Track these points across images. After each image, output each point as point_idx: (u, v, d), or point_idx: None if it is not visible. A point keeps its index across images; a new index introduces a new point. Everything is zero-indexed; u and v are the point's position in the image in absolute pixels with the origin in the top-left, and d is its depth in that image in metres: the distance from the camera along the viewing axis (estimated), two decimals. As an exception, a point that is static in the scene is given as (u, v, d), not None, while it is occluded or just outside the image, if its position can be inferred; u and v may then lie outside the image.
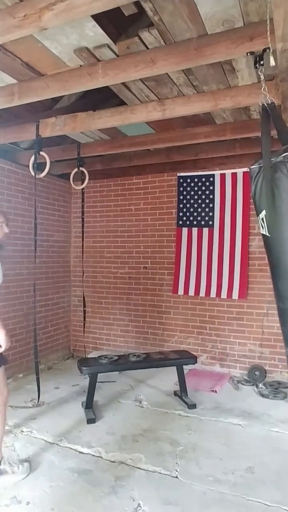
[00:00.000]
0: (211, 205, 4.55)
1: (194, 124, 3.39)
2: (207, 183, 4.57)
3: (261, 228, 1.66)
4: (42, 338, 4.74)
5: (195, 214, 4.63)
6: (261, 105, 1.62)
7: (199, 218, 4.61)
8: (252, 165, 1.68)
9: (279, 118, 1.64)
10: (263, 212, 1.59)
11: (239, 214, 4.39)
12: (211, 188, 4.55)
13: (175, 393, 3.79)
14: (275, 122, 1.62)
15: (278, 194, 1.50)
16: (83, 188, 3.92)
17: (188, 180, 4.67)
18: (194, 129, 3.42)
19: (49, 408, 3.50)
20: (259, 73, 1.74)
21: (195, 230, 4.63)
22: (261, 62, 1.74)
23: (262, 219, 1.61)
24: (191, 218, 4.65)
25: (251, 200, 4.33)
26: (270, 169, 1.52)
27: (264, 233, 1.63)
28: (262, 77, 1.70)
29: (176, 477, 2.44)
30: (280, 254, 1.56)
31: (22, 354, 4.36)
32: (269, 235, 1.59)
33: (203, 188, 4.59)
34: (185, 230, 4.68)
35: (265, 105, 1.60)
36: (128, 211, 5.08)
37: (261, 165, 1.59)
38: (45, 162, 3.29)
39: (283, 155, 1.48)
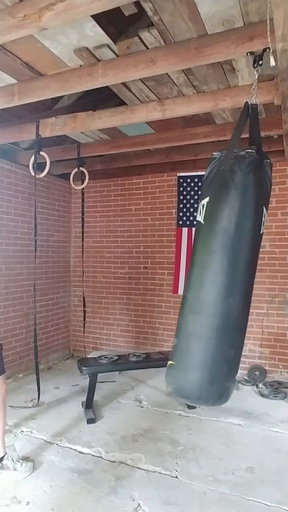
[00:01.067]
0: (211, 205, 4.54)
1: (194, 124, 3.39)
2: (207, 183, 4.57)
3: (198, 214, 1.68)
4: (42, 338, 4.74)
5: (195, 214, 4.63)
6: (244, 102, 1.65)
7: (199, 218, 4.61)
8: (215, 152, 1.70)
9: (256, 120, 1.68)
10: (206, 199, 1.62)
11: (239, 214, 4.39)
12: (211, 188, 4.54)
13: (175, 393, 3.78)
14: (252, 123, 1.67)
15: (226, 185, 1.54)
16: (83, 188, 3.92)
17: (188, 180, 4.67)
18: (194, 129, 3.42)
19: (49, 408, 3.50)
20: (255, 72, 1.75)
21: (195, 230, 4.63)
22: (260, 63, 1.76)
23: (203, 205, 1.63)
24: (191, 218, 4.65)
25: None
26: (230, 160, 1.56)
27: (200, 219, 1.65)
28: (256, 76, 1.72)
29: (176, 477, 2.44)
30: (207, 243, 1.58)
31: (22, 354, 4.36)
32: (203, 223, 1.62)
33: (203, 188, 4.59)
34: (185, 230, 4.68)
35: (249, 104, 1.63)
36: (128, 211, 5.08)
37: (223, 154, 1.62)
38: (45, 162, 3.29)
39: (246, 150, 1.55)
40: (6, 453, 2.44)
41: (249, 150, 1.57)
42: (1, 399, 2.41)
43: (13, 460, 2.43)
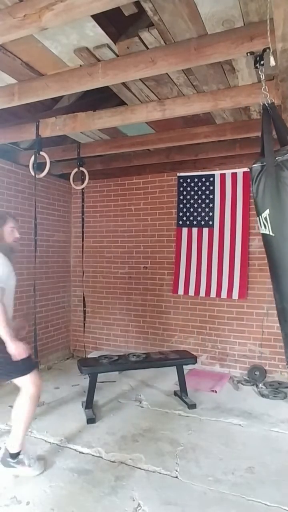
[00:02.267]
0: (211, 205, 4.55)
1: (194, 124, 3.39)
2: (207, 183, 4.57)
3: (262, 227, 1.63)
4: (42, 338, 4.74)
5: (195, 214, 4.63)
6: (261, 105, 1.63)
7: (199, 218, 4.61)
8: (253, 164, 1.67)
9: (279, 119, 1.64)
10: (267, 211, 1.57)
11: (239, 214, 4.39)
12: (211, 188, 4.55)
13: (175, 393, 3.78)
14: (276, 123, 1.62)
15: (284, 192, 1.49)
16: (83, 188, 3.92)
17: (188, 180, 4.67)
18: (194, 129, 3.42)
19: (49, 408, 3.50)
20: (259, 72, 1.74)
21: (195, 230, 4.63)
22: (261, 62, 1.74)
23: (265, 218, 1.59)
24: (191, 218, 4.65)
25: (251, 200, 4.34)
26: (274, 167, 1.51)
27: (267, 232, 1.60)
28: (262, 77, 1.70)
29: (176, 477, 2.44)
30: (284, 254, 1.54)
31: (22, 354, 4.36)
32: (273, 234, 1.57)
33: (203, 188, 4.59)
34: (185, 230, 4.68)
35: (266, 105, 1.61)
36: (128, 211, 5.08)
37: (264, 163, 1.58)
38: (45, 162, 3.29)
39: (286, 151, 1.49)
40: (22, 450, 2.46)
41: None
42: (28, 397, 2.42)
43: (28, 457, 2.45)
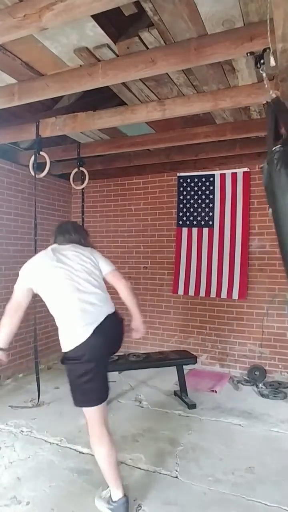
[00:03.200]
0: (211, 205, 4.55)
1: (194, 124, 3.39)
2: (207, 183, 4.57)
3: None
4: (42, 338, 4.73)
5: (195, 214, 4.63)
6: (265, 102, 1.61)
7: (199, 218, 4.61)
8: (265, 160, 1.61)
9: (286, 111, 1.61)
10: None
11: (239, 214, 4.39)
12: (211, 188, 4.55)
13: (175, 393, 3.78)
14: (283, 115, 1.58)
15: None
16: (83, 188, 3.92)
17: (188, 180, 4.67)
18: (194, 129, 3.42)
19: (49, 408, 3.50)
20: (261, 71, 1.74)
21: (195, 230, 4.63)
22: (262, 61, 1.74)
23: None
24: (191, 218, 4.65)
25: (251, 200, 4.35)
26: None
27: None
28: (264, 75, 1.70)
29: (176, 477, 2.44)
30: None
31: (22, 354, 4.36)
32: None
33: (203, 188, 4.59)
34: (185, 230, 4.68)
35: (271, 102, 1.59)
36: (128, 211, 5.08)
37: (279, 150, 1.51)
38: (45, 162, 3.29)
39: None
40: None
41: None
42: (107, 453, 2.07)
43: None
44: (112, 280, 2.29)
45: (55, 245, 2.24)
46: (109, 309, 2.10)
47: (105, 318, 2.03)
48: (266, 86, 1.61)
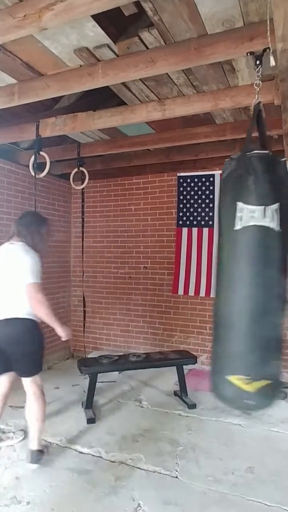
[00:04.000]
0: (211, 205, 4.55)
1: (194, 124, 3.39)
2: (207, 183, 4.57)
3: (268, 220, 1.49)
4: (42, 338, 4.73)
5: (195, 214, 4.63)
6: (253, 105, 1.66)
7: (199, 218, 4.61)
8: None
9: (264, 124, 1.72)
10: (277, 205, 1.50)
11: (239, 214, 4.38)
12: (211, 188, 4.55)
13: (175, 393, 3.78)
14: (261, 126, 1.69)
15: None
16: (83, 188, 3.92)
17: (188, 180, 4.67)
18: (194, 129, 3.42)
19: (49, 408, 3.48)
20: (256, 74, 1.74)
21: (195, 230, 4.63)
22: (257, 62, 1.75)
23: (276, 210, 1.49)
24: (191, 218, 4.65)
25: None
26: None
27: (271, 226, 1.48)
28: (257, 78, 1.71)
29: (176, 477, 2.44)
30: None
31: (22, 354, 4.36)
32: (279, 229, 1.48)
33: (203, 188, 4.59)
34: (185, 230, 4.68)
35: (257, 107, 1.64)
36: (128, 211, 5.08)
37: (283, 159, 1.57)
38: (45, 162, 3.28)
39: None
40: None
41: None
42: (34, 396, 2.53)
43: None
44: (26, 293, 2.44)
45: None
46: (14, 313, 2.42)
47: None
48: (257, 89, 1.63)
